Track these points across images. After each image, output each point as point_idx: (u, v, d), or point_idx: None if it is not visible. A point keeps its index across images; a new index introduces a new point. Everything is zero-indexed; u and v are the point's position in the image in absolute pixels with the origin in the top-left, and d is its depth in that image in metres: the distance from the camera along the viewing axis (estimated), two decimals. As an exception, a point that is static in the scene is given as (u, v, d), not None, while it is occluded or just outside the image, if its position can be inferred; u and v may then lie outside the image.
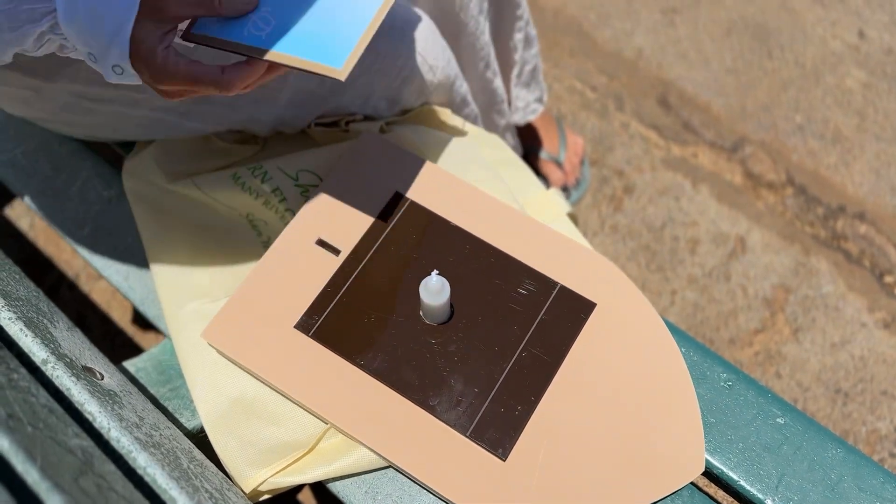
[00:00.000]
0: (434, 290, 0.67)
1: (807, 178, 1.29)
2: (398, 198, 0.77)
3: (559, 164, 1.25)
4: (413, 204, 0.77)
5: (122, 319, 1.21)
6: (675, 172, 1.29)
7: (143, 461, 0.57)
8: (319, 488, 0.71)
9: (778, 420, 0.68)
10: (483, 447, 0.66)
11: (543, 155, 1.25)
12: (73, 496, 0.46)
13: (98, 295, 1.24)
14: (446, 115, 0.86)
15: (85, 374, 0.64)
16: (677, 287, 1.20)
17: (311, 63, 0.59)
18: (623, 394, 0.67)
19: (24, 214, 1.34)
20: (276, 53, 0.59)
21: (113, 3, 0.56)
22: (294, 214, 0.78)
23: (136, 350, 1.18)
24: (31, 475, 0.45)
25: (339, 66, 0.58)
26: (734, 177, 1.29)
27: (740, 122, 1.34)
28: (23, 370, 0.58)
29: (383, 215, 0.76)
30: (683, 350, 0.71)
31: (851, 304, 1.17)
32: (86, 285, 1.25)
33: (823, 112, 1.35)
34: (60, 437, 0.52)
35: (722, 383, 0.71)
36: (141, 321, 1.21)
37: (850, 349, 1.14)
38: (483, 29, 0.93)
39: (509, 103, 1.11)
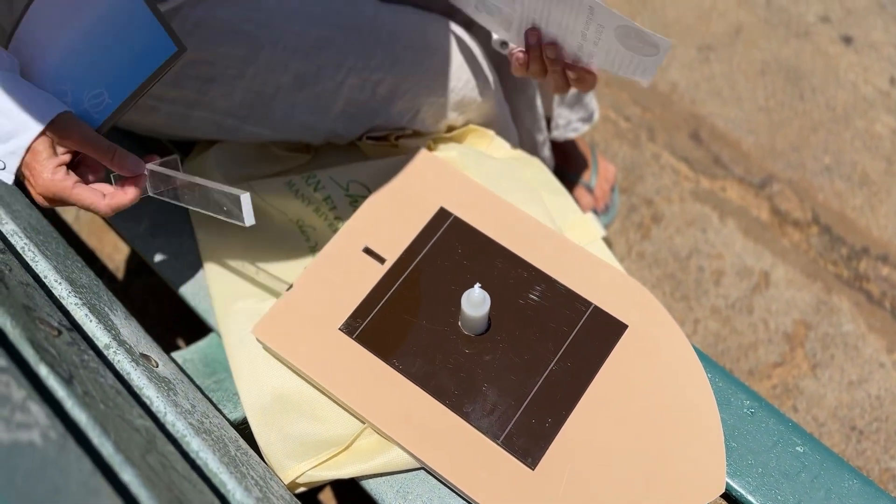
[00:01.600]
0: (476, 302, 0.70)
1: (832, 219, 1.31)
2: (443, 213, 0.81)
3: (590, 190, 1.28)
4: (457, 219, 0.80)
5: (159, 314, 1.26)
6: (703, 205, 1.32)
7: (196, 446, 0.61)
8: (352, 485, 0.74)
9: (797, 448, 0.71)
10: (513, 455, 0.69)
11: (575, 179, 1.28)
12: (143, 471, 0.50)
13: (136, 290, 1.28)
14: (490, 135, 0.90)
15: (142, 360, 0.68)
16: (700, 316, 1.23)
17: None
18: (650, 413, 0.70)
19: (69, 207, 1.38)
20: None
21: (33, 102, 0.63)
22: (342, 222, 0.81)
23: (170, 344, 1.22)
24: (105, 448, 0.49)
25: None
26: (761, 213, 1.32)
27: (769, 160, 1.37)
28: (91, 353, 0.62)
29: (428, 229, 0.80)
30: (709, 376, 0.74)
31: (870, 344, 1.19)
32: (126, 278, 1.29)
33: (852, 155, 1.37)
34: (127, 417, 0.56)
35: (745, 410, 0.74)
36: (175, 317, 1.26)
37: (866, 388, 1.16)
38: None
39: (548, 121, 1.14)
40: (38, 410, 0.45)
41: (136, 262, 1.31)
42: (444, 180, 0.83)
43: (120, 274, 1.30)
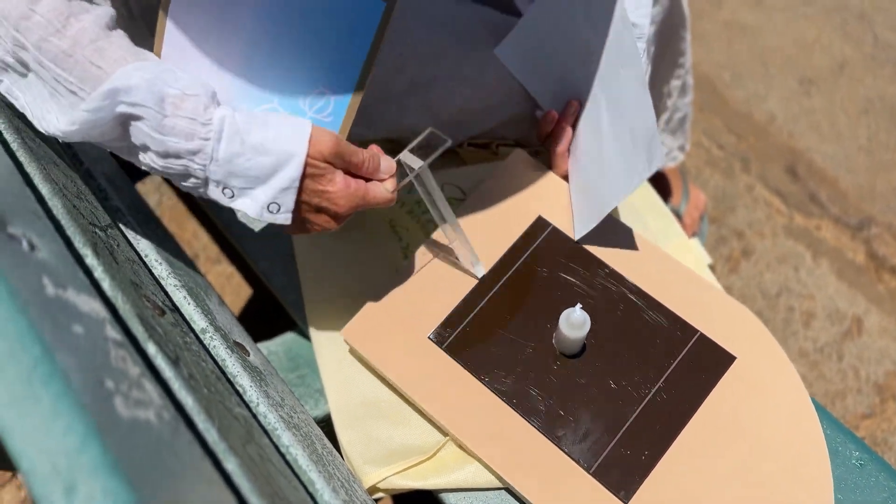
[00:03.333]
0: (576, 324, 0.68)
1: (933, 268, 1.25)
2: (541, 222, 0.78)
3: (679, 216, 1.24)
4: (555, 230, 0.78)
5: (233, 305, 1.26)
6: (796, 242, 1.27)
7: (286, 440, 0.60)
8: (430, 498, 0.72)
9: (911, 508, 0.66)
10: (606, 486, 0.65)
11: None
12: (244, 461, 0.48)
13: (213, 278, 1.28)
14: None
15: (236, 348, 0.67)
16: (786, 358, 1.17)
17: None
18: (755, 454, 0.66)
19: (153, 192, 1.40)
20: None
21: (282, 133, 0.56)
22: (434, 225, 0.80)
23: (242, 336, 1.22)
24: (210, 434, 0.48)
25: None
26: (857, 255, 1.26)
27: (868, 202, 1.31)
28: (192, 336, 0.61)
29: (525, 238, 0.77)
30: (816, 421, 0.70)
31: (969, 404, 1.13)
32: (203, 267, 1.30)
33: (958, 203, 1.31)
34: (227, 404, 0.55)
35: (854, 461, 0.69)
36: (250, 310, 1.26)
37: (964, 450, 1.09)
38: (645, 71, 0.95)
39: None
40: (152, 389, 0.44)
41: (215, 252, 1.31)
42: (543, 188, 0.80)
43: (198, 262, 1.30)
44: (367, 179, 0.62)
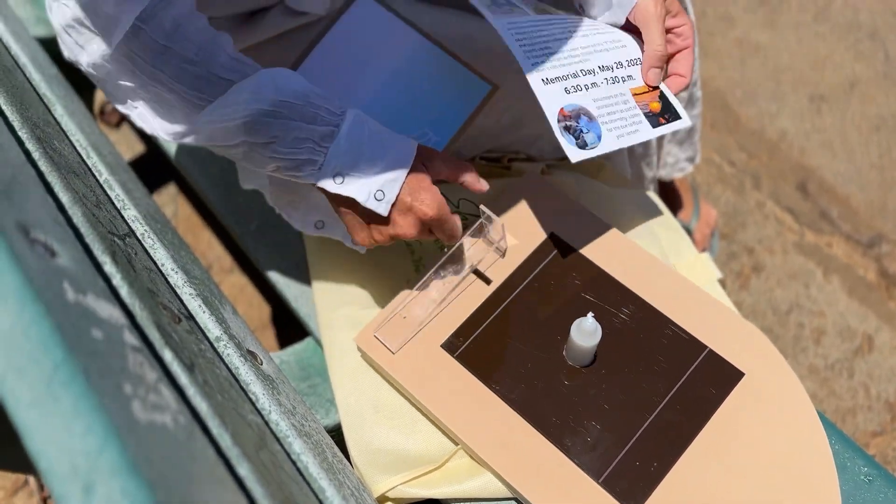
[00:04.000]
0: (588, 332, 0.68)
1: (945, 286, 1.25)
2: (553, 239, 0.79)
3: (689, 232, 1.25)
4: (567, 247, 0.78)
5: (246, 314, 1.27)
6: (806, 259, 1.27)
7: (298, 448, 0.60)
8: (439, 507, 0.72)
9: (920, 525, 0.66)
10: (614, 496, 0.66)
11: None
12: (257, 466, 0.49)
13: (227, 288, 1.30)
14: (604, 165, 0.88)
15: (249, 357, 0.68)
16: (797, 375, 1.17)
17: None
18: (763, 470, 0.66)
19: (169, 202, 1.42)
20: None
21: (398, 136, 0.65)
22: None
23: (254, 346, 1.23)
24: (224, 440, 0.48)
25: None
26: (868, 273, 1.26)
27: (879, 219, 1.31)
28: (206, 343, 0.62)
29: (537, 254, 0.78)
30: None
31: (982, 424, 1.12)
32: (217, 276, 1.31)
33: (970, 221, 1.31)
34: (241, 411, 0.56)
35: (862, 476, 0.69)
36: (263, 319, 1.27)
37: (976, 470, 1.09)
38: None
39: (659, 158, 1.12)
40: (168, 394, 0.45)
41: (228, 262, 1.33)
42: (556, 206, 0.81)
43: (212, 271, 1.32)
44: None
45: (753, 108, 1.45)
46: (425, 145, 0.67)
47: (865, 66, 1.49)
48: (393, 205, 0.64)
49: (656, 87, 0.72)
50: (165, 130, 0.68)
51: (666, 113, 0.71)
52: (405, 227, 0.65)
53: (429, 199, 0.64)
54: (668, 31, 0.71)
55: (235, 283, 1.30)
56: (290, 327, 0.86)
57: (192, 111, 0.65)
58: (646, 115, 0.70)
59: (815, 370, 1.17)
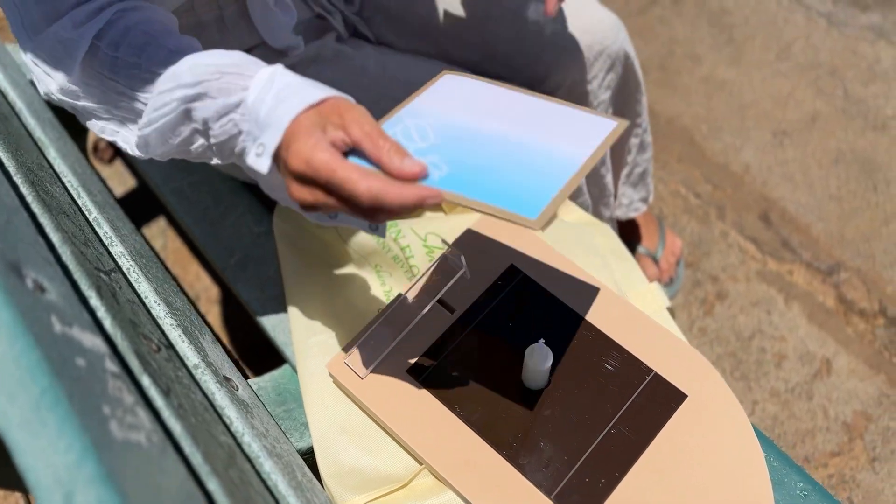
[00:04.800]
0: (539, 357, 0.74)
1: (900, 312, 1.30)
2: (513, 270, 0.85)
3: (655, 261, 1.30)
4: (525, 277, 0.84)
5: (231, 344, 1.32)
6: (769, 286, 1.33)
7: (268, 467, 0.65)
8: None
9: (850, 536, 0.71)
10: (565, 511, 0.71)
11: (641, 250, 1.31)
12: (225, 482, 0.54)
13: (213, 318, 1.35)
14: (567, 203, 0.94)
15: (225, 382, 0.73)
16: (759, 398, 1.22)
17: (502, 210, 0.57)
18: (703, 486, 0.71)
19: (158, 235, 1.47)
20: (456, 195, 0.57)
21: (301, 90, 0.56)
22: (418, 269, 0.86)
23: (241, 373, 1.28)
24: (195, 458, 0.54)
25: (534, 216, 0.57)
26: (827, 299, 1.32)
27: (838, 248, 1.37)
28: (183, 370, 0.68)
29: (497, 284, 0.84)
30: (764, 455, 0.75)
31: (934, 443, 1.17)
32: (203, 307, 1.36)
33: (924, 250, 1.37)
34: (213, 432, 0.61)
35: (798, 492, 0.74)
36: (246, 348, 1.32)
37: (928, 488, 1.13)
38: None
39: (615, 198, 1.19)
40: (143, 415, 0.50)
41: (215, 293, 1.38)
42: (516, 240, 0.87)
43: (199, 302, 1.37)
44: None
45: (719, 142, 1.52)
46: (348, 102, 0.57)
47: (825, 103, 1.56)
48: (275, 159, 0.56)
49: None
50: (131, 145, 0.66)
51: None
52: (291, 189, 0.56)
53: (302, 154, 0.53)
54: None
55: (221, 314, 1.35)
56: (271, 356, 0.91)
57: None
58: None
59: (776, 393, 1.23)
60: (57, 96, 0.67)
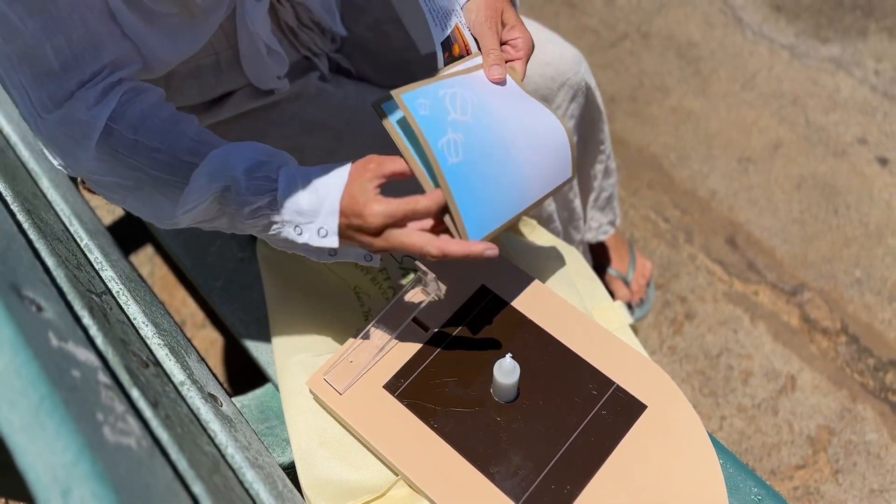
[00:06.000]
0: (506, 371, 0.78)
1: (860, 330, 1.36)
2: (484, 290, 0.89)
3: (626, 283, 1.36)
4: (496, 297, 0.89)
5: (216, 366, 1.35)
6: (735, 306, 1.39)
7: (250, 477, 0.69)
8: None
9: (800, 537, 0.76)
10: (532, 516, 0.75)
11: (612, 272, 1.36)
12: (209, 487, 0.58)
13: (199, 342, 1.38)
14: (534, 226, 0.99)
15: (210, 399, 0.77)
16: (727, 413, 1.27)
17: (458, 217, 0.69)
18: (661, 489, 0.76)
19: (145, 263, 1.51)
20: (443, 191, 0.68)
21: (329, 171, 0.67)
22: (395, 290, 0.91)
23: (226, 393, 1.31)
24: (181, 464, 0.58)
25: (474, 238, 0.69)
26: (791, 318, 1.37)
27: (802, 269, 1.43)
28: (170, 386, 0.72)
29: (469, 303, 0.89)
30: (721, 461, 0.80)
31: (894, 455, 1.22)
32: (190, 331, 1.40)
33: (882, 271, 1.43)
34: (198, 442, 0.65)
35: (752, 496, 0.79)
36: (231, 370, 1.35)
37: (888, 498, 1.18)
38: (573, 158, 1.08)
39: (584, 221, 1.24)
40: (133, 423, 0.54)
41: (201, 318, 1.42)
42: (488, 262, 0.92)
43: (186, 327, 1.41)
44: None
45: (686, 169, 1.58)
46: (364, 157, 0.68)
47: (788, 130, 1.63)
48: (345, 233, 0.67)
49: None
50: (157, 219, 0.75)
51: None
52: (377, 243, 0.67)
53: (371, 214, 0.65)
54: (503, 42, 0.79)
55: (207, 337, 1.39)
56: (255, 378, 0.95)
57: (173, 192, 0.71)
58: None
59: (742, 409, 1.27)
60: (76, 173, 0.74)
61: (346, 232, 0.68)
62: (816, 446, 1.23)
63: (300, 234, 0.69)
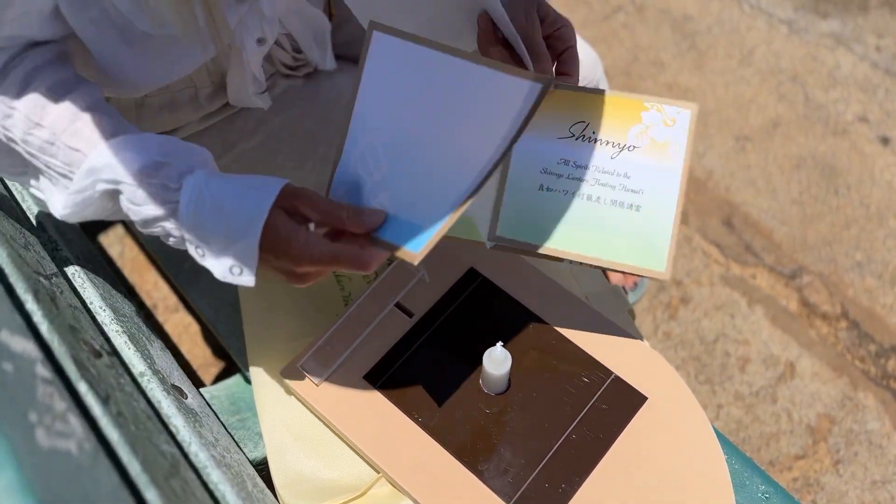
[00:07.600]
0: (497, 360, 0.72)
1: (861, 315, 1.31)
2: (473, 273, 0.83)
3: (620, 267, 1.30)
4: (485, 280, 0.83)
5: (190, 352, 1.29)
6: (732, 290, 1.33)
7: (216, 477, 0.63)
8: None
9: (811, 538, 0.70)
10: (524, 517, 0.69)
11: (606, 256, 1.31)
12: (164, 493, 0.52)
13: (171, 326, 1.32)
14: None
15: (173, 391, 0.71)
16: (723, 402, 1.22)
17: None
18: (664, 488, 0.70)
19: (115, 243, 1.44)
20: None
21: (247, 198, 0.56)
22: (376, 275, 0.84)
23: (197, 382, 1.25)
24: (133, 467, 0.51)
25: (416, 251, 0.63)
26: (790, 303, 1.32)
27: (801, 252, 1.38)
28: (127, 377, 0.65)
29: (456, 287, 0.82)
30: (726, 457, 0.74)
31: (896, 445, 1.18)
32: (162, 316, 1.33)
33: (884, 254, 1.38)
34: (155, 441, 0.58)
35: (760, 494, 0.73)
36: (204, 357, 1.29)
37: (890, 489, 1.14)
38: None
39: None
40: (76, 423, 0.48)
41: (173, 302, 1.35)
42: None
43: (157, 311, 1.34)
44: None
45: (682, 147, 1.53)
46: (292, 187, 0.59)
47: (787, 108, 1.58)
48: (263, 268, 0.59)
49: None
50: (53, 211, 0.64)
51: None
52: (302, 279, 0.61)
53: (298, 255, 0.57)
54: (547, 37, 0.70)
55: (180, 322, 1.32)
56: (233, 365, 0.89)
57: (57, 181, 0.62)
58: None
59: (740, 397, 1.22)
60: None
61: (264, 267, 0.59)
62: (816, 436, 1.19)
63: (203, 256, 0.59)
